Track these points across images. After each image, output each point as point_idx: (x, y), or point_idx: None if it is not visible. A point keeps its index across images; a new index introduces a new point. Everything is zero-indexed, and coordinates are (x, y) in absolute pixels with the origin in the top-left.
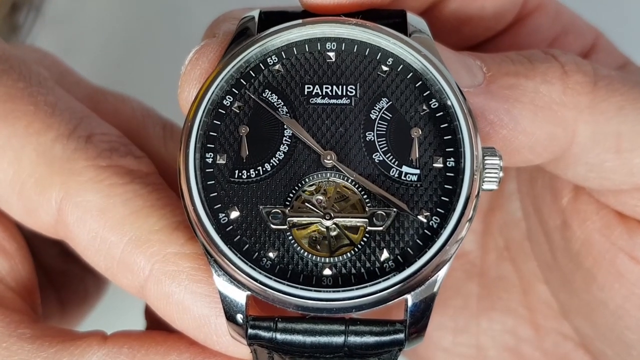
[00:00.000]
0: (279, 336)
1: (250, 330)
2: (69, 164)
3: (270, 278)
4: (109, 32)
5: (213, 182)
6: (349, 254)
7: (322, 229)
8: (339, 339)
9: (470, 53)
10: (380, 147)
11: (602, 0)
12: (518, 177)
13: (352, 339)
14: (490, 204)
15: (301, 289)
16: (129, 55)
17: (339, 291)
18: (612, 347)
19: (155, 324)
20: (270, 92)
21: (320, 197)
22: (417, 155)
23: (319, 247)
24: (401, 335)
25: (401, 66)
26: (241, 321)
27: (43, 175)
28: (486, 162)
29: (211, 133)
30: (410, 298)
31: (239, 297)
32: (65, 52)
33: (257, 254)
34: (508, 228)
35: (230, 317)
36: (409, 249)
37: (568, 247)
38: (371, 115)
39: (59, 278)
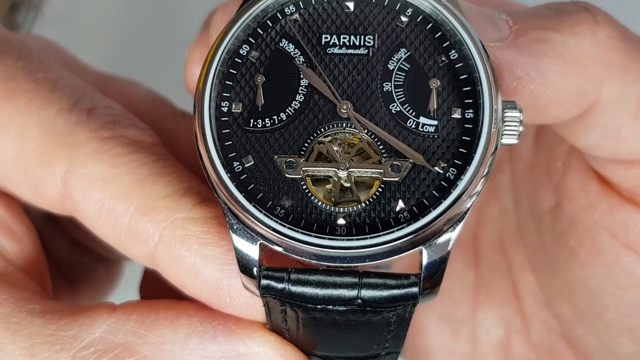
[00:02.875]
0: (292, 287)
1: (263, 281)
2: (71, 137)
3: (284, 226)
4: (108, 32)
5: (228, 130)
6: (363, 204)
7: (338, 179)
8: (352, 292)
9: (495, 8)
10: (398, 97)
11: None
12: (513, 168)
13: (366, 291)
14: (485, 196)
15: (315, 236)
16: (128, 55)
17: (352, 239)
18: (590, 330)
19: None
20: (287, 42)
21: (336, 147)
22: (435, 107)
23: (333, 197)
24: (415, 289)
25: (420, 17)
26: (255, 273)
27: (47, 149)
28: (506, 115)
29: (227, 82)
30: (425, 251)
31: (253, 251)
32: None
33: (270, 202)
34: (501, 219)
35: (244, 269)
36: (424, 200)
37: (556, 227)
38: (389, 65)
39: (70, 269)
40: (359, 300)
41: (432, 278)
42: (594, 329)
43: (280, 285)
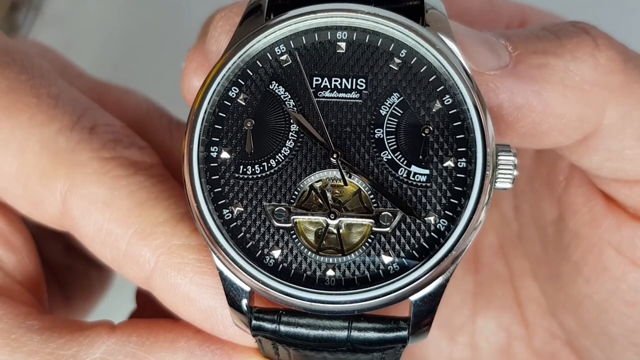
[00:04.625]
0: (283, 328)
1: (254, 322)
2: (73, 156)
3: (272, 278)
4: (108, 32)
5: (217, 177)
6: (353, 255)
7: (331, 229)
8: (342, 334)
9: (494, 31)
10: (389, 145)
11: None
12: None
13: (356, 334)
14: None
15: (303, 290)
16: (128, 54)
17: (341, 294)
18: (596, 342)
19: (145, 308)
20: (277, 84)
21: (328, 195)
22: (428, 155)
23: (332, 247)
24: (404, 333)
25: (414, 59)
26: (245, 309)
27: (47, 167)
28: (500, 159)
29: (216, 126)
30: (414, 299)
31: (243, 285)
32: (64, 51)
33: (260, 252)
34: (502, 226)
35: (233, 305)
36: (414, 252)
37: (559, 241)
38: (381, 111)
39: (63, 273)
40: (349, 343)
41: (421, 322)
42: (599, 342)
43: (271, 327)
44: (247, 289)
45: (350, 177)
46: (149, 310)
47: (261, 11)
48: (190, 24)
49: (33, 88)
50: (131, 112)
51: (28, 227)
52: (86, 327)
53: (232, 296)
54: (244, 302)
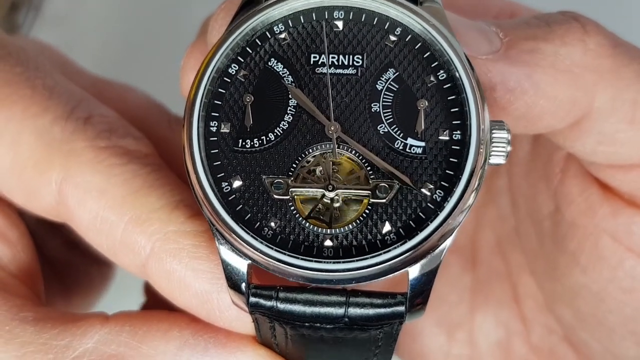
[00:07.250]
0: (280, 305)
1: (251, 299)
2: (68, 145)
3: (271, 248)
4: (108, 32)
5: (216, 150)
6: (350, 226)
7: (325, 200)
8: (340, 310)
9: (485, 20)
10: (386, 118)
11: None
12: (510, 172)
13: (353, 310)
14: (483, 199)
15: (302, 259)
16: (128, 54)
17: (339, 262)
18: (593, 334)
19: (155, 301)
20: (275, 61)
21: (325, 168)
22: (423, 128)
23: (321, 217)
24: (402, 308)
25: (409, 36)
26: (244, 289)
27: (42, 157)
28: (493, 135)
29: (216, 101)
30: (411, 271)
31: (241, 265)
32: (64, 51)
33: (258, 223)
34: (499, 222)
35: (232, 285)
36: (411, 222)
37: (556, 232)
38: (377, 86)
39: (63, 269)
40: (346, 319)
41: (418, 297)
42: (596, 333)
43: (268, 303)
44: (245, 270)
45: (348, 149)
46: (158, 301)
47: (258, 1)
48: (190, 24)
49: (28, 80)
50: (131, 108)
51: (27, 222)
52: (80, 318)
53: (230, 276)
54: (243, 284)
